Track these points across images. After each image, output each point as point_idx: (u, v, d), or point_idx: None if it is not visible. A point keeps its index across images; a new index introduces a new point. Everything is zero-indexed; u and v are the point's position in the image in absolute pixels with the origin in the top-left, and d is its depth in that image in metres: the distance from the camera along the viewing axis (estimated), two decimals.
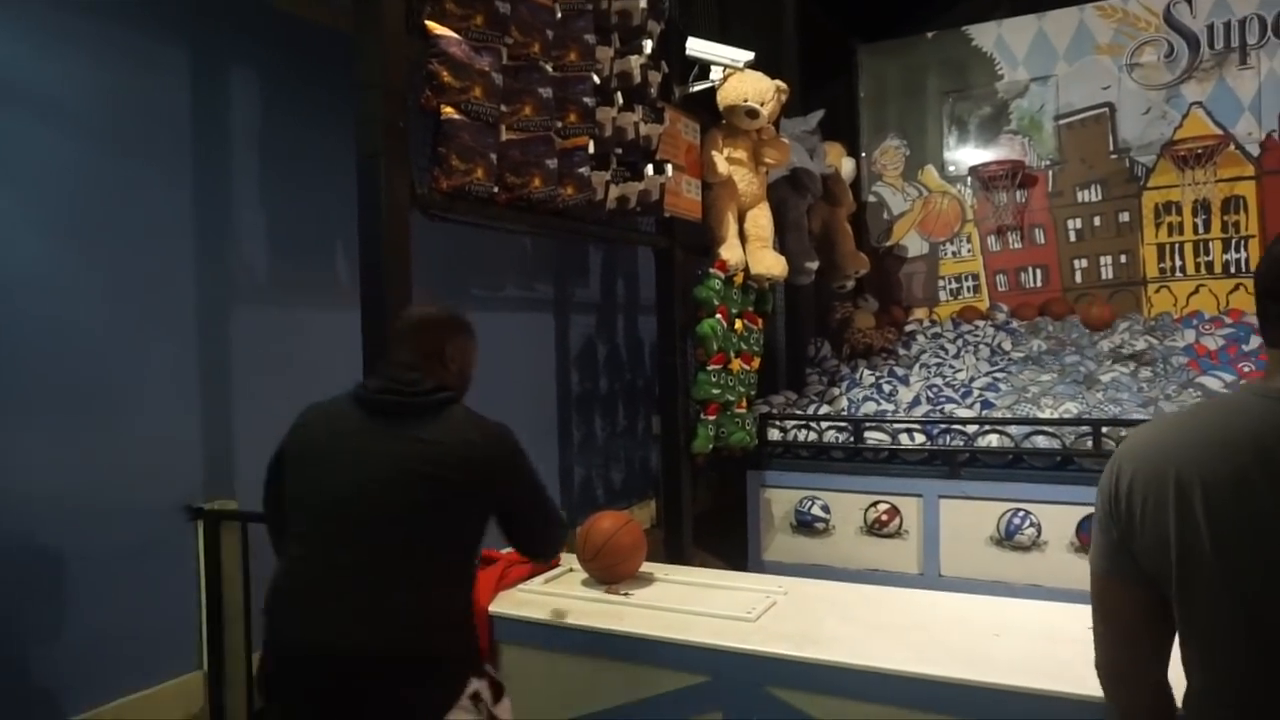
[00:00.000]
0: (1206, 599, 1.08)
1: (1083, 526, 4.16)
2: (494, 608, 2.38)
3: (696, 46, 4.43)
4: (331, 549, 1.69)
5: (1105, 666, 1.26)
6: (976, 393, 5.00)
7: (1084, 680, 1.75)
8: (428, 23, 2.81)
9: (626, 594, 2.47)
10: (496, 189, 3.03)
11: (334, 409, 1.83)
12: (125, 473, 2.86)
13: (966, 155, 6.87)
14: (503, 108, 3.04)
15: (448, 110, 2.83)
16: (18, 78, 2.59)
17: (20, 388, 2.58)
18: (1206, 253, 6.06)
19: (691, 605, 2.33)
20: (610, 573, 2.56)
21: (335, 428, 1.79)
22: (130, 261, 2.89)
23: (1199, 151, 5.99)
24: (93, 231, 2.78)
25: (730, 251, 4.61)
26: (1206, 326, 5.52)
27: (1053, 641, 1.96)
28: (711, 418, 4.51)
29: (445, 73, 2.81)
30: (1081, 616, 2.13)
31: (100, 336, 2.79)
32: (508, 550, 2.73)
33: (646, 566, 2.73)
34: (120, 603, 2.82)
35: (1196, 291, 6.08)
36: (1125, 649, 1.22)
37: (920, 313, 6.89)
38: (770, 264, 4.79)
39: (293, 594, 1.70)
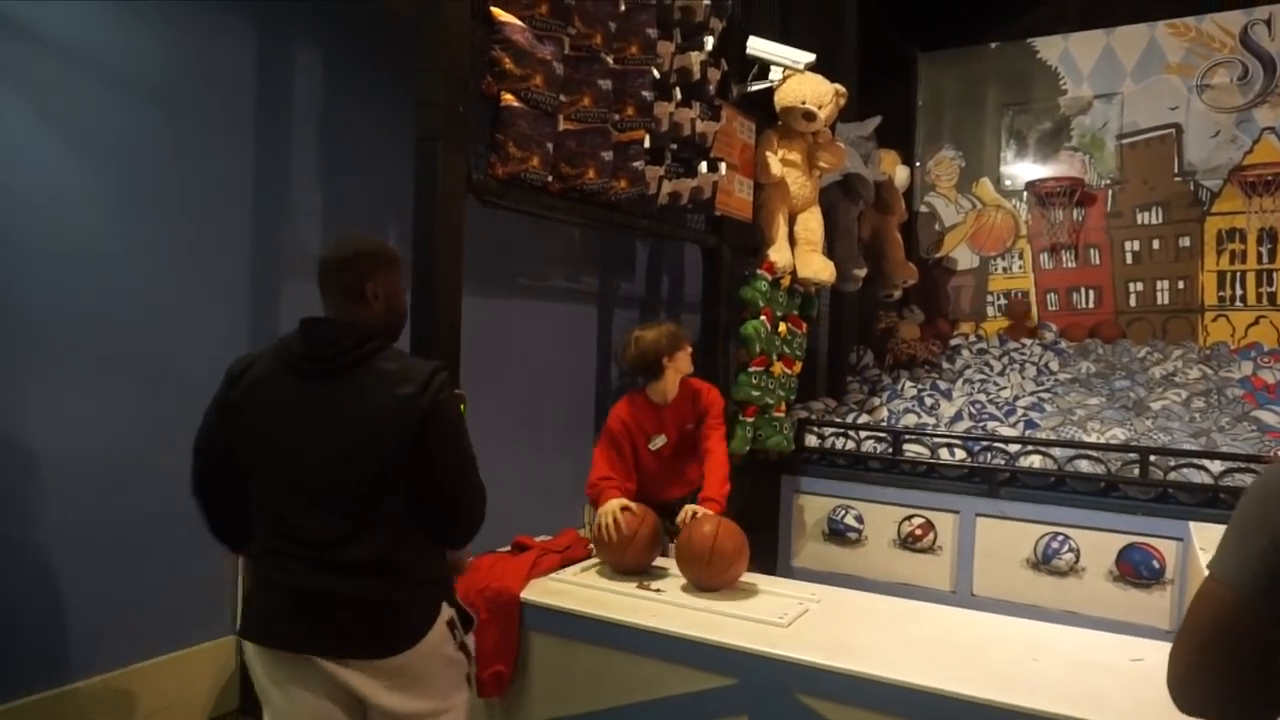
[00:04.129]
0: None
1: (1124, 555, 4.06)
2: (525, 595, 2.39)
3: (757, 46, 4.40)
4: (292, 513, 1.74)
5: (1195, 687, 1.06)
6: (1020, 412, 4.91)
7: (1125, 711, 1.71)
8: (492, 9, 2.82)
9: (658, 590, 2.47)
10: (551, 178, 3.04)
11: (268, 371, 1.82)
12: (171, 438, 2.90)
13: (1023, 170, 6.75)
14: (562, 98, 3.04)
15: (507, 97, 2.84)
16: (83, 45, 2.65)
17: (74, 352, 2.64)
18: (1270, 283, 5.88)
19: (723, 607, 2.32)
20: (717, 580, 2.49)
21: (270, 392, 1.80)
22: (187, 232, 2.95)
23: (1268, 179, 5.82)
24: (152, 200, 2.84)
25: (779, 254, 4.58)
26: (1265, 359, 5.36)
27: (1092, 669, 1.92)
28: (749, 419, 4.48)
29: (507, 60, 2.82)
30: (1124, 646, 2.09)
31: (154, 304, 2.85)
32: (542, 538, 2.74)
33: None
34: (158, 565, 2.88)
35: (1256, 323, 5.90)
36: (1227, 675, 1.03)
37: (966, 327, 6.78)
38: (818, 268, 4.75)
39: (265, 550, 1.78)
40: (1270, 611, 0.99)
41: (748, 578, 2.65)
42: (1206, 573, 1.08)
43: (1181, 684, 1.07)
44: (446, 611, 1.81)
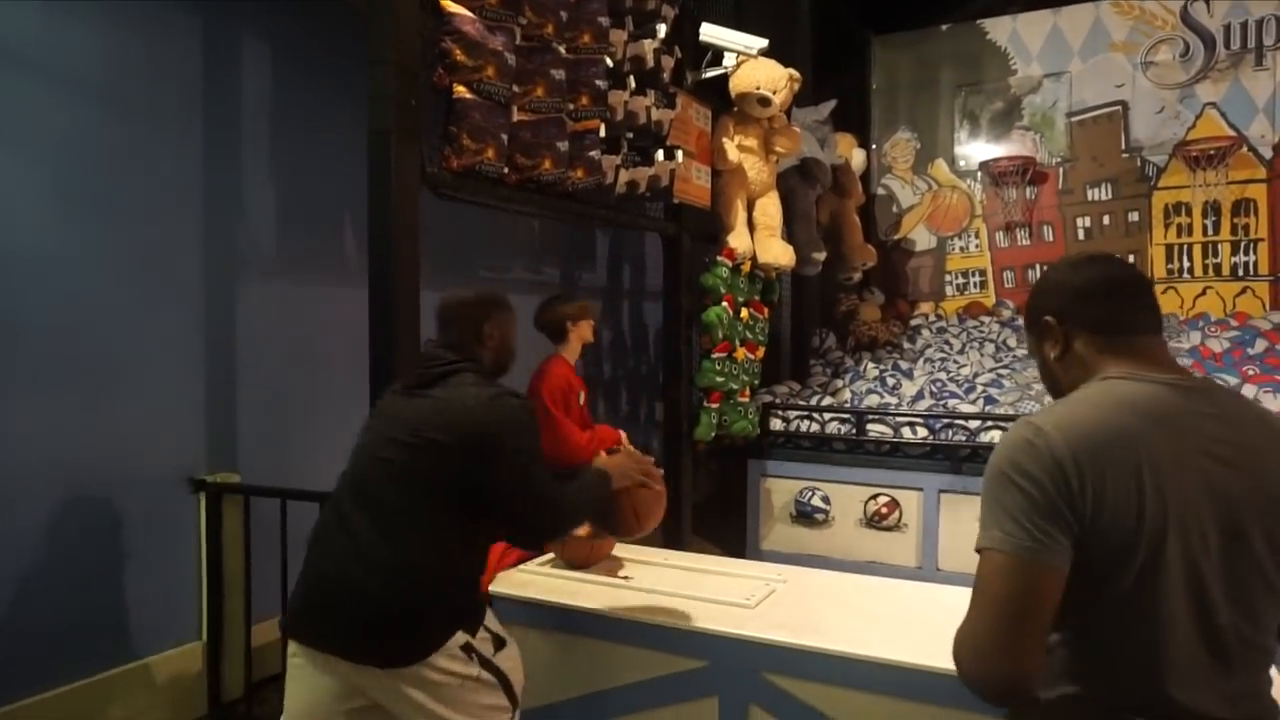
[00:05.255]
0: (1164, 575, 1.13)
1: None
2: (494, 588, 2.39)
3: (710, 32, 4.40)
4: (342, 503, 1.85)
5: (1011, 660, 1.12)
6: (980, 389, 5.00)
7: None
8: (442, 0, 2.79)
9: (627, 577, 2.48)
10: (506, 170, 3.02)
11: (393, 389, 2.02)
12: (129, 444, 2.86)
13: (977, 150, 6.84)
14: (515, 88, 3.03)
15: (460, 89, 2.82)
16: (26, 44, 2.58)
17: (26, 359, 2.58)
18: (1215, 255, 6.03)
19: (691, 591, 2.34)
20: (581, 555, 2.53)
21: (380, 403, 2.02)
22: (137, 233, 2.89)
23: (1211, 152, 5.96)
24: (100, 202, 2.78)
25: (738, 240, 4.60)
26: (1212, 329, 5.50)
27: None
28: (715, 405, 4.51)
29: (458, 51, 2.80)
30: None
31: (106, 308, 2.79)
32: None
33: (647, 551, 2.74)
34: (123, 572, 2.84)
35: (1204, 294, 6.05)
36: (1034, 638, 1.13)
37: (926, 307, 6.87)
38: (778, 253, 4.78)
39: (313, 537, 1.90)
40: (1052, 568, 1.11)
41: (716, 561, 2.67)
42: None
43: (987, 657, 1.13)
44: (460, 637, 1.79)
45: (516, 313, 2.11)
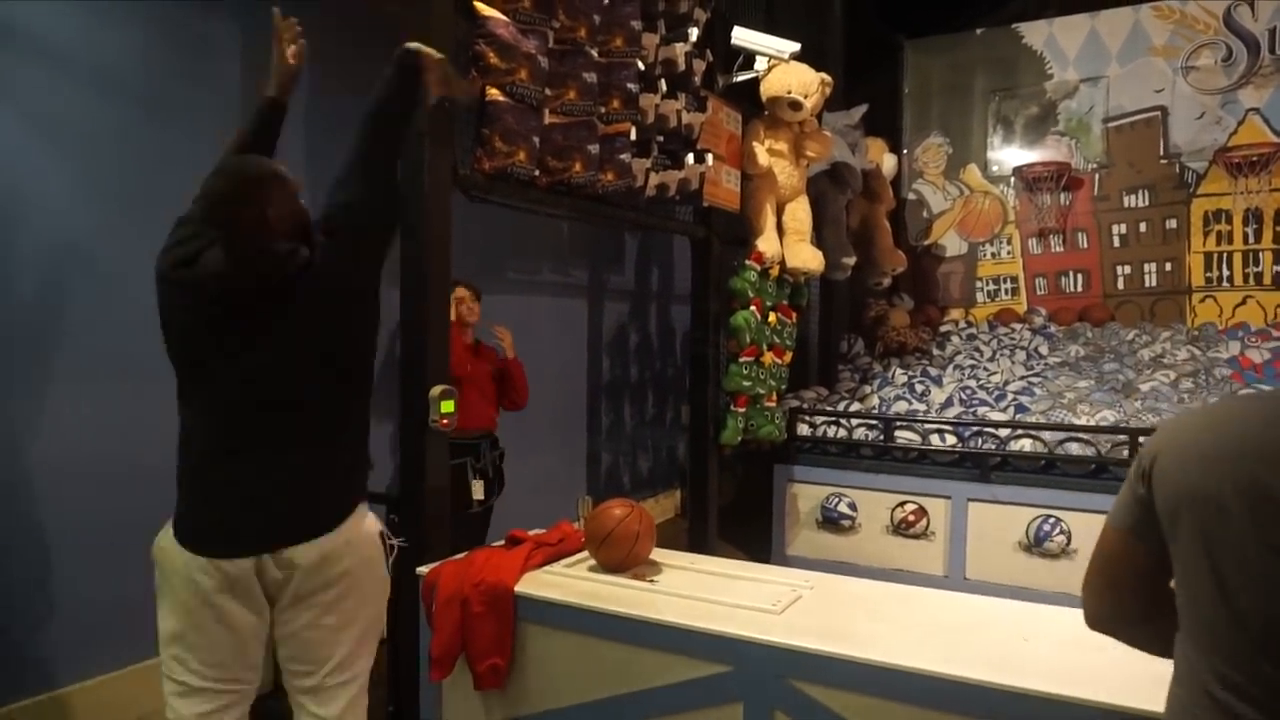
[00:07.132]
0: None
1: None
2: (519, 588, 2.40)
3: (742, 36, 4.40)
4: (245, 430, 1.91)
5: None
6: (1010, 396, 4.94)
7: (1115, 690, 1.73)
8: (476, 3, 2.81)
9: (652, 580, 2.48)
10: (537, 172, 3.04)
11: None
12: (164, 437, 2.90)
13: (1011, 155, 6.77)
14: (547, 91, 3.04)
15: (493, 92, 2.84)
16: (70, 47, 2.64)
17: (61, 357, 2.63)
18: (1256, 263, 5.91)
19: (716, 595, 2.33)
20: (618, 559, 2.53)
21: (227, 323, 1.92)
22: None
23: (1253, 159, 5.85)
24: (140, 203, 2.83)
25: (767, 244, 4.58)
26: (1252, 339, 5.39)
27: (1082, 649, 1.93)
28: (741, 410, 4.49)
29: (492, 54, 2.82)
30: None
31: (143, 306, 2.84)
32: (536, 532, 2.75)
33: (673, 555, 2.73)
34: (140, 570, 2.87)
35: (1244, 303, 5.93)
36: (1136, 607, 1.34)
37: (956, 313, 6.80)
38: (807, 258, 4.76)
39: (207, 464, 1.96)
40: (1139, 544, 1.27)
41: (742, 566, 2.66)
42: None
43: (1085, 601, 1.38)
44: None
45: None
